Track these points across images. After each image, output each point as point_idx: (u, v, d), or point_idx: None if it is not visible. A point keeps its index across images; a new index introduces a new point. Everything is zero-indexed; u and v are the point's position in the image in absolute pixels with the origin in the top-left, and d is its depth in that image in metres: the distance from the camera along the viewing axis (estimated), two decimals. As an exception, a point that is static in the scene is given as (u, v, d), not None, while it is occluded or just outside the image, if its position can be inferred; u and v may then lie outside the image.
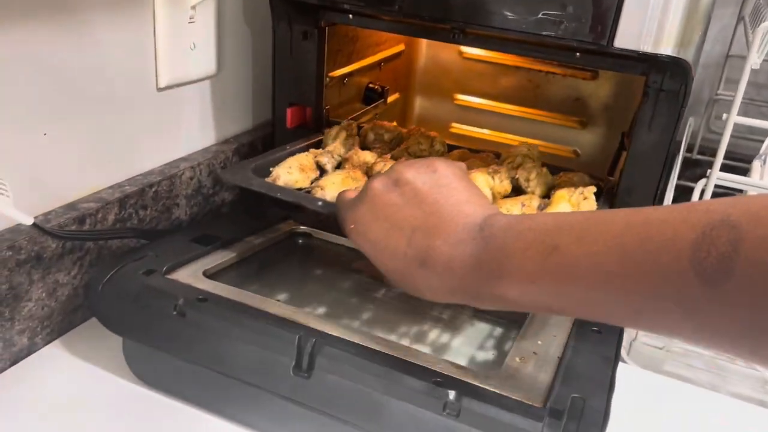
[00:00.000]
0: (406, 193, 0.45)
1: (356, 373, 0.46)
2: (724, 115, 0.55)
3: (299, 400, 0.47)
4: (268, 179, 0.64)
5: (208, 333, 0.50)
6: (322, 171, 0.68)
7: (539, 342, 0.54)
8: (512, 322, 0.62)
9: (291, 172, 0.64)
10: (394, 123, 0.81)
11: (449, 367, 0.48)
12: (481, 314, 0.63)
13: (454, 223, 0.43)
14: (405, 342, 0.59)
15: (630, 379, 0.60)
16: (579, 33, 0.56)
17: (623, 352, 0.66)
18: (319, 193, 0.61)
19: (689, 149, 0.91)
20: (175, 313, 0.51)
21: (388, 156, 0.71)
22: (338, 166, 0.70)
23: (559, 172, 0.71)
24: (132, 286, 0.54)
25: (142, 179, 0.65)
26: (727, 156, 0.90)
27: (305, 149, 0.71)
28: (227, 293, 0.54)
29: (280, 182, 0.63)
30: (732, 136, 0.66)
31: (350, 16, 0.68)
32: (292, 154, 0.69)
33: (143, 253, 0.59)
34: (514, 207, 0.61)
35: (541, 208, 0.62)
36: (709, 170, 0.57)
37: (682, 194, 0.88)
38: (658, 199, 0.65)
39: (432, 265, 0.42)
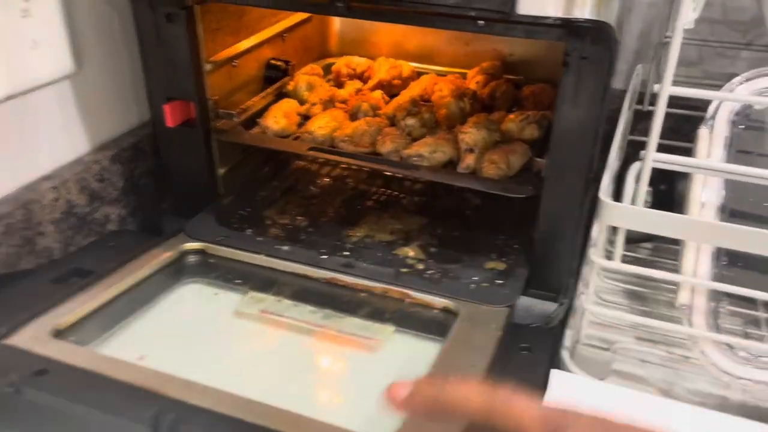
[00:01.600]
0: None
1: (222, 456, 0.38)
2: (656, 87, 0.45)
3: (159, 490, 0.39)
4: (256, 130, 0.69)
5: (49, 413, 0.42)
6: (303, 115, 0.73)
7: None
8: (435, 338, 0.54)
9: (278, 121, 0.68)
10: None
11: (336, 435, 0.40)
12: (401, 329, 0.55)
13: None
14: (308, 386, 0.51)
15: (571, 392, 0.52)
16: (476, 0, 0.46)
17: (567, 357, 0.58)
18: (308, 137, 0.67)
19: (640, 100, 0.81)
20: (11, 390, 0.42)
21: (368, 90, 0.78)
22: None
23: (523, 86, 0.79)
24: (-38, 357, 0.45)
25: (-13, 212, 0.55)
26: (686, 106, 0.81)
27: (278, 99, 0.74)
28: (74, 358, 0.45)
29: (271, 132, 0.68)
30: (688, 83, 0.57)
31: (216, -8, 0.57)
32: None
33: (-14, 307, 0.49)
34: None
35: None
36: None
37: (637, 149, 0.78)
38: (594, 179, 0.56)
39: None
